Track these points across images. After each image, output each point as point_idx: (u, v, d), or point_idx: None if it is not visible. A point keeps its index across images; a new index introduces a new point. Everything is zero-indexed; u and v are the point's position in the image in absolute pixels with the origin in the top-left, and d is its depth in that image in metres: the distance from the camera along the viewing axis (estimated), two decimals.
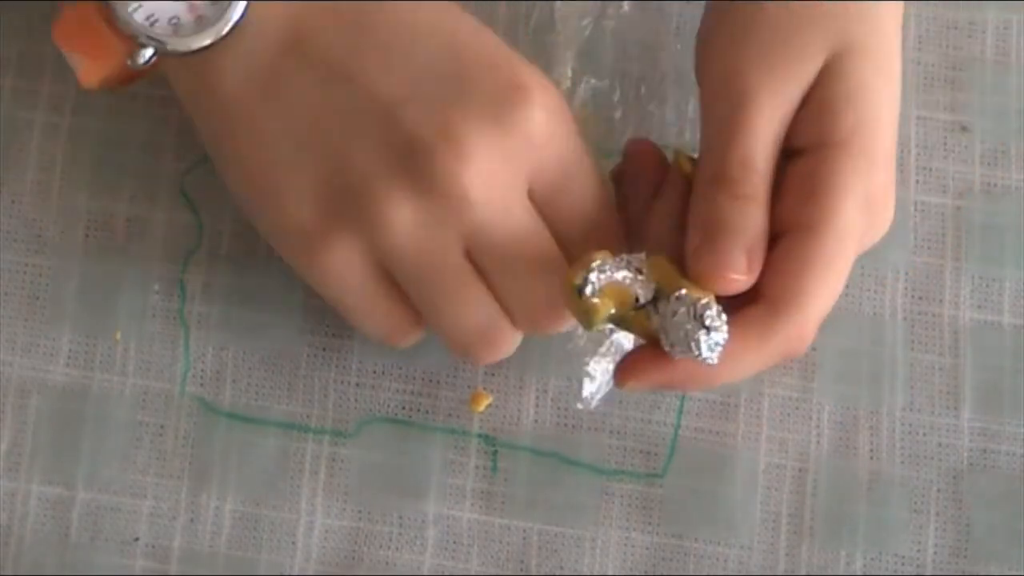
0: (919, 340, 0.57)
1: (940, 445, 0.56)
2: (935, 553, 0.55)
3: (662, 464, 0.56)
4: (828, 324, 0.56)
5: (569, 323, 0.49)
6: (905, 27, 0.59)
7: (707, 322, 0.45)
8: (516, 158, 0.46)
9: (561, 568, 0.55)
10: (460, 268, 0.47)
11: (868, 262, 0.57)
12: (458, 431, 0.56)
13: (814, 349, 0.56)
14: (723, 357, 0.46)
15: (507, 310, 0.49)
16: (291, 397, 0.56)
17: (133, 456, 0.56)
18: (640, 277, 0.46)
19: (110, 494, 0.55)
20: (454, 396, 0.56)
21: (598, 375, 0.55)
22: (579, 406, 0.56)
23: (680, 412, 0.56)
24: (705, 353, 0.45)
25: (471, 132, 0.46)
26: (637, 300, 0.46)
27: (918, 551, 0.55)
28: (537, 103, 0.46)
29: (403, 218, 0.46)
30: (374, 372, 0.56)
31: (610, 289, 0.46)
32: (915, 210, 0.58)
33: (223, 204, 0.57)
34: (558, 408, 0.56)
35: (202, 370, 0.56)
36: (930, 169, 0.58)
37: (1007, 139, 0.59)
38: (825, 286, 0.47)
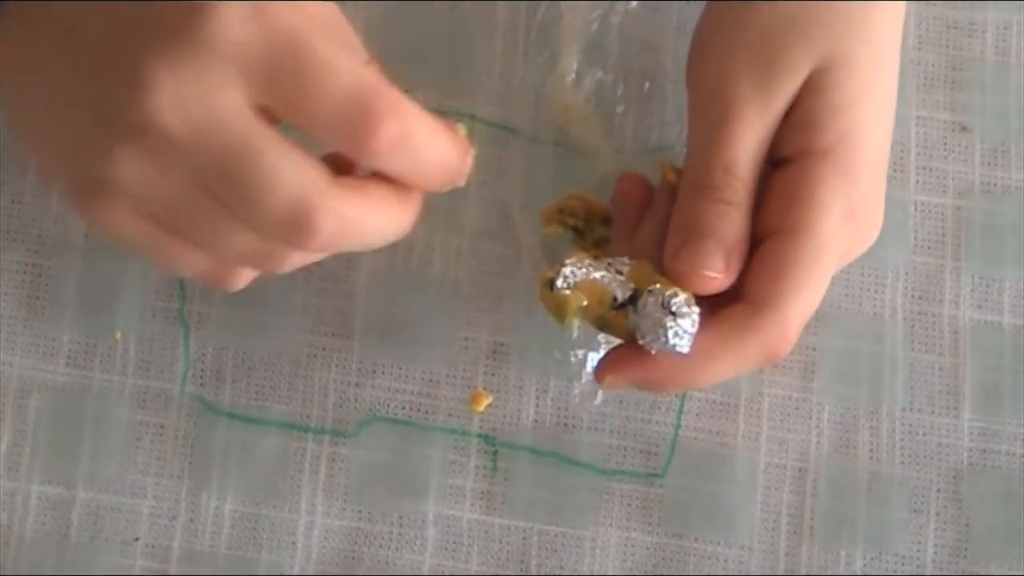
0: (919, 340, 0.57)
1: (940, 445, 0.56)
2: (935, 553, 0.55)
3: (662, 464, 0.56)
4: (828, 324, 0.57)
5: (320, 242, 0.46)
6: (905, 27, 0.59)
7: (673, 308, 0.46)
8: (210, 73, 0.44)
9: (561, 568, 0.55)
10: (202, 200, 0.45)
11: (868, 262, 0.57)
12: (458, 431, 0.56)
13: (814, 349, 0.57)
14: (696, 348, 0.46)
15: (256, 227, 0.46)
16: (291, 397, 0.56)
17: (133, 456, 0.55)
18: (619, 277, 0.47)
19: (110, 494, 0.55)
20: (454, 396, 0.56)
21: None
22: (584, 414, 0.56)
23: (680, 412, 0.56)
24: (672, 340, 0.46)
25: (149, 60, 0.43)
26: (615, 300, 0.47)
27: (918, 551, 0.55)
28: (221, 15, 0.43)
29: (128, 169, 0.44)
30: (374, 372, 0.56)
31: (585, 285, 0.47)
32: (915, 210, 0.58)
33: None
34: (558, 408, 0.56)
35: (202, 370, 0.56)
36: (930, 169, 0.58)
37: (1007, 139, 0.59)
38: (804, 289, 0.47)
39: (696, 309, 0.46)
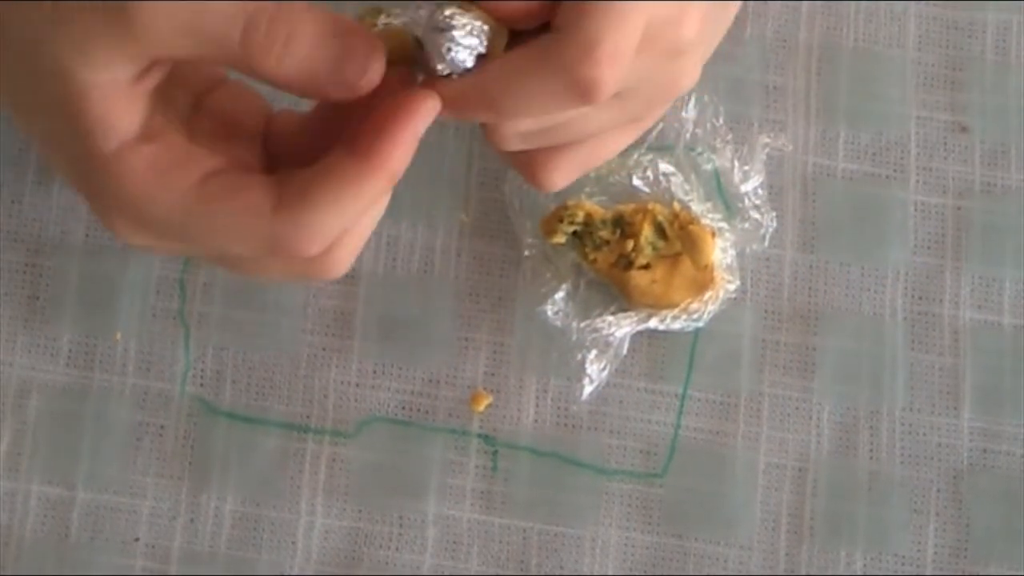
0: (919, 340, 0.57)
1: (940, 445, 0.56)
2: (935, 553, 0.55)
3: (662, 464, 0.56)
4: (828, 324, 0.57)
5: None
6: (905, 27, 0.59)
7: (442, 25, 0.44)
8: None
9: (561, 568, 0.55)
10: None
11: (868, 262, 0.57)
12: (458, 431, 0.56)
13: (814, 349, 0.57)
14: (497, 69, 0.44)
15: None
16: (291, 397, 0.56)
17: (133, 456, 0.55)
18: (422, 15, 0.45)
19: (110, 494, 0.55)
20: (454, 396, 0.56)
21: (595, 375, 0.55)
22: (574, 407, 0.56)
23: (680, 412, 0.56)
24: (450, 55, 0.44)
25: None
26: (416, 40, 0.45)
27: (918, 551, 0.55)
28: None
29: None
30: (374, 372, 0.56)
31: (387, 36, 0.44)
32: (915, 210, 0.58)
33: None
34: (558, 408, 0.56)
35: (202, 370, 0.56)
36: (930, 169, 0.58)
37: (1007, 139, 0.59)
38: (612, 13, 0.44)
39: (476, 23, 0.44)
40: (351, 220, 0.44)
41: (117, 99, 0.43)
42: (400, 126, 0.44)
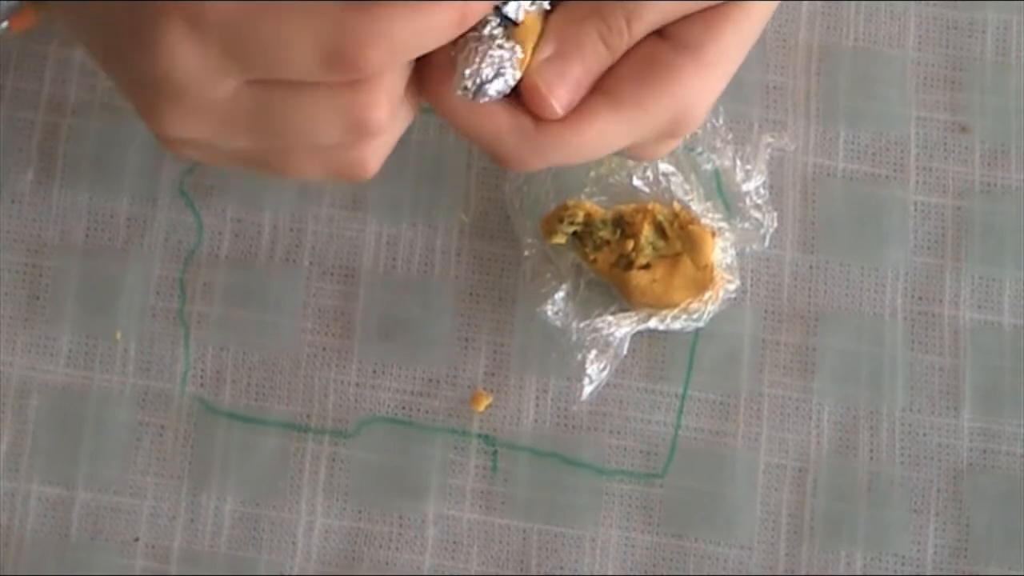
0: (919, 340, 0.57)
1: (940, 445, 0.56)
2: (935, 553, 0.55)
3: (662, 464, 0.56)
4: (828, 324, 0.57)
5: None
6: (905, 27, 0.59)
7: (491, 49, 0.44)
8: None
9: (561, 568, 0.55)
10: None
11: (868, 262, 0.57)
12: (458, 431, 0.56)
13: (814, 349, 0.57)
14: (474, 103, 0.44)
15: None
16: (291, 397, 0.56)
17: (133, 456, 0.56)
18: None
19: (110, 494, 0.55)
20: (454, 396, 0.56)
21: (595, 375, 0.55)
22: (574, 407, 0.56)
23: (680, 412, 0.56)
24: (458, 77, 0.44)
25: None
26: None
27: (918, 551, 0.55)
28: None
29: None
30: (374, 372, 0.56)
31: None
32: (915, 210, 0.58)
33: (223, 204, 0.57)
34: (558, 408, 0.56)
35: (202, 370, 0.56)
36: (930, 169, 0.58)
37: (1007, 139, 0.59)
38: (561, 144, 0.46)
39: (511, 76, 0.44)
40: (415, 42, 0.43)
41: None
42: None
